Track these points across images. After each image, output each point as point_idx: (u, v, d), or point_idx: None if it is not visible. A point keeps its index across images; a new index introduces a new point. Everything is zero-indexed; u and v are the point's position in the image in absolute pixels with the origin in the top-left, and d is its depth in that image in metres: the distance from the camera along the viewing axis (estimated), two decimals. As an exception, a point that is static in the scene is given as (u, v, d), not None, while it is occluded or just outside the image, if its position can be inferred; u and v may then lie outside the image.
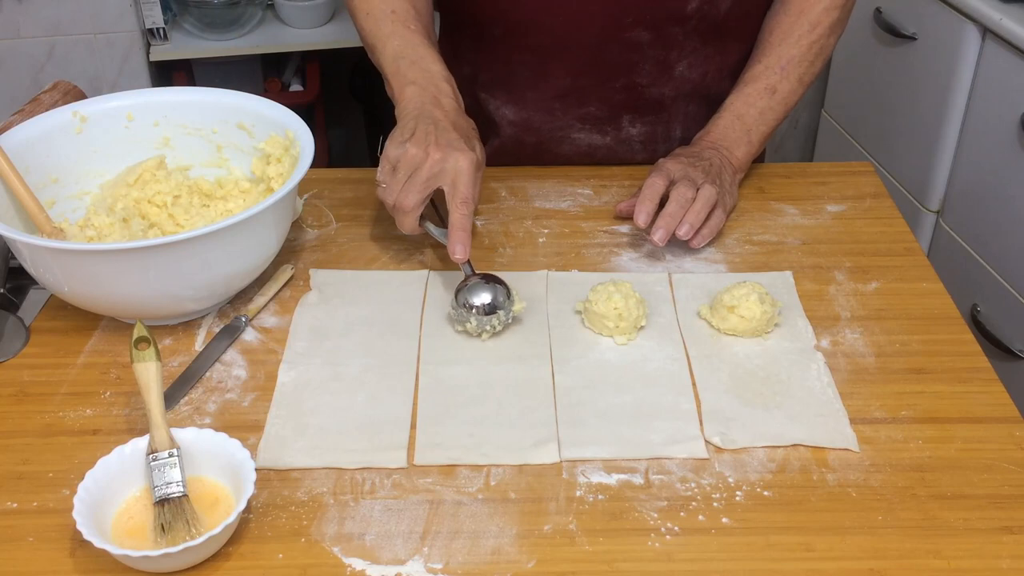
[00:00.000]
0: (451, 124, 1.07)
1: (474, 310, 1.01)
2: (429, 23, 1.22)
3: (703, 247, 1.14)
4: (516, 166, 1.32)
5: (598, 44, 1.23)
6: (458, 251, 1.03)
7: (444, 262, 1.14)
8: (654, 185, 1.13)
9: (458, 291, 1.03)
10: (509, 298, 1.02)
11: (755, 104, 1.23)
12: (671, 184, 1.14)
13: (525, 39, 1.25)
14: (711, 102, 1.28)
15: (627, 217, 1.19)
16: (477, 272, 1.05)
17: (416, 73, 1.12)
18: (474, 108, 1.34)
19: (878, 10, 2.10)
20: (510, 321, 1.02)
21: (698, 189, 1.13)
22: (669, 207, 1.11)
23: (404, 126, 1.07)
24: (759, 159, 1.42)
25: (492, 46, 1.29)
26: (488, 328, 1.01)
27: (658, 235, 1.10)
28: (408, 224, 1.06)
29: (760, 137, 1.23)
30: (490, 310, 1.01)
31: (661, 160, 1.19)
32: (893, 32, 2.04)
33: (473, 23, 1.30)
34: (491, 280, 1.03)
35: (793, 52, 1.23)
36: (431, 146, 1.04)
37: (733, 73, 1.28)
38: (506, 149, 1.34)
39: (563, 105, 1.29)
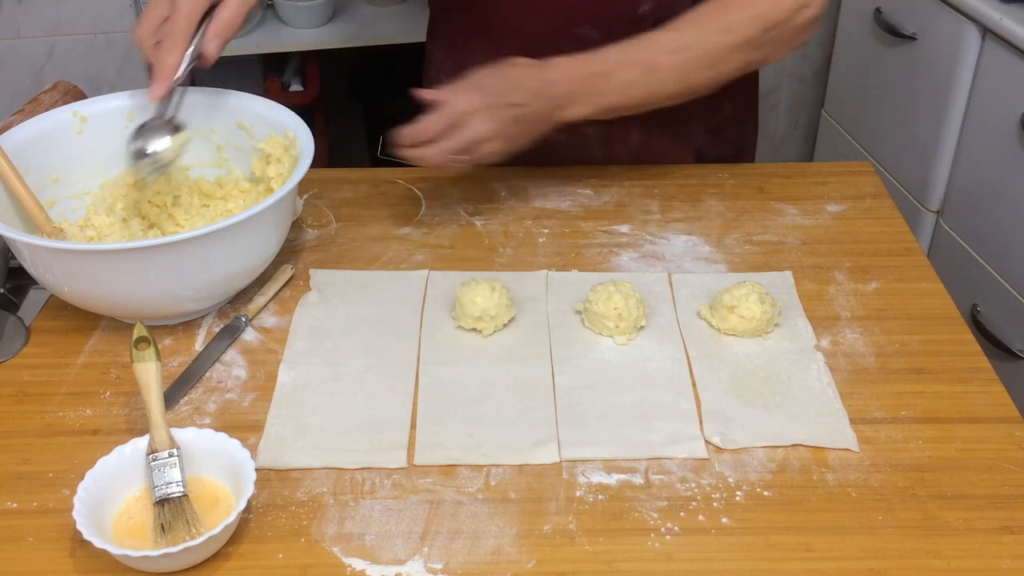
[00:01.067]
0: None
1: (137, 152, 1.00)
2: None
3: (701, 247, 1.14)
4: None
5: (549, 38, 1.20)
6: (153, 90, 0.99)
7: (444, 262, 1.14)
8: (448, 146, 1.05)
9: (138, 132, 1.02)
10: (171, 140, 0.99)
11: (629, 71, 1.11)
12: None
13: (481, 24, 1.25)
14: (673, 106, 1.26)
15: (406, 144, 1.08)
16: (166, 118, 1.02)
17: None
18: None
19: (878, 10, 2.10)
20: (160, 165, 1.00)
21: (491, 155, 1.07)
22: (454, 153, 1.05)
23: None
24: (748, 158, 1.42)
25: (454, 32, 1.30)
26: (146, 170, 1.00)
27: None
28: (145, 56, 1.00)
29: (608, 107, 1.12)
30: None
31: (473, 86, 1.06)
32: (893, 32, 2.04)
33: (442, 7, 1.31)
34: (172, 127, 1.01)
35: (695, 42, 1.11)
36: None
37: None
38: None
39: None
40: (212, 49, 1.00)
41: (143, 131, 1.03)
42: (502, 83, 1.06)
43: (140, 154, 1.02)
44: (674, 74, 1.11)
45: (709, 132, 1.34)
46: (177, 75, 1.00)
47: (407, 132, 1.04)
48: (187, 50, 0.99)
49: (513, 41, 1.23)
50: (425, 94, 1.03)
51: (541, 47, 1.17)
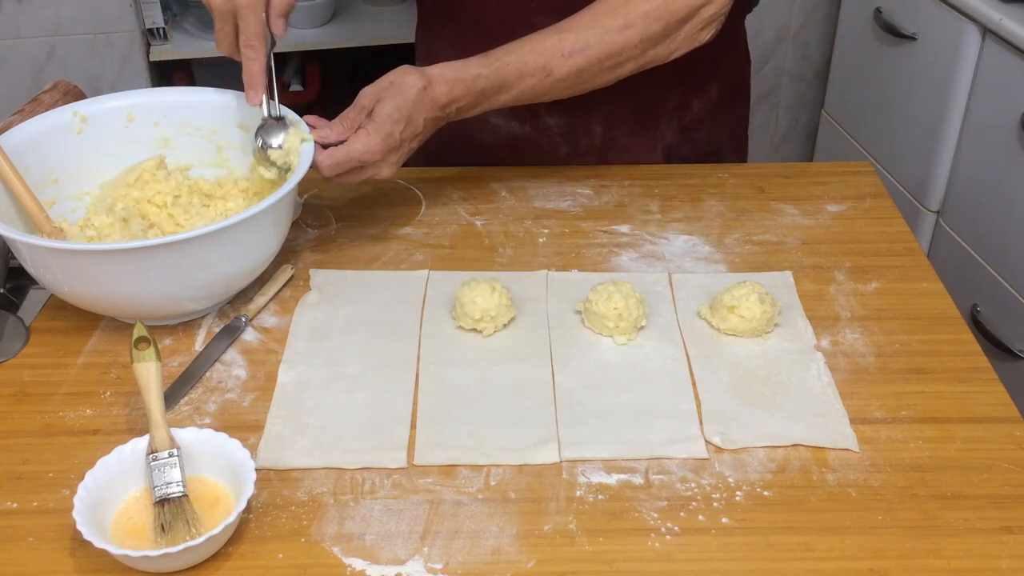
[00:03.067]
0: None
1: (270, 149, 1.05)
2: None
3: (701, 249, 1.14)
4: (445, 155, 1.31)
5: (505, 24, 1.20)
6: (250, 96, 1.05)
7: (444, 262, 1.14)
8: (340, 166, 1.05)
9: (257, 133, 1.06)
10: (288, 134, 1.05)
11: (526, 80, 1.10)
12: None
13: (447, 13, 1.28)
14: (635, 100, 1.25)
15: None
16: (273, 116, 1.07)
17: None
18: None
19: (878, 10, 2.10)
20: (285, 154, 1.05)
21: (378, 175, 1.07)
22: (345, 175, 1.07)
23: None
24: (740, 158, 1.42)
25: (427, 19, 1.33)
26: (281, 165, 1.05)
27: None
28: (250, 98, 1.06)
29: (499, 108, 1.13)
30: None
31: (371, 135, 1.05)
32: (893, 32, 2.04)
33: None
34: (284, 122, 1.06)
35: (591, 42, 1.09)
36: None
37: (656, 72, 1.18)
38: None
39: None
40: (279, 28, 1.05)
41: (260, 133, 1.07)
42: (397, 117, 1.05)
43: (266, 149, 1.06)
44: (570, 76, 1.11)
45: (680, 131, 1.34)
46: (269, 74, 1.06)
47: (317, 159, 1.05)
48: (265, 51, 1.05)
49: (475, 28, 1.24)
50: (316, 133, 1.06)
51: (499, 34, 1.15)
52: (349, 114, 1.07)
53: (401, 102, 1.05)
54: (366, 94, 1.07)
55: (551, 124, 1.31)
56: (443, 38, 1.31)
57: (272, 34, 1.05)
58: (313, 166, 1.04)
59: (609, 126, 1.30)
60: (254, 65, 1.05)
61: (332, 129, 1.06)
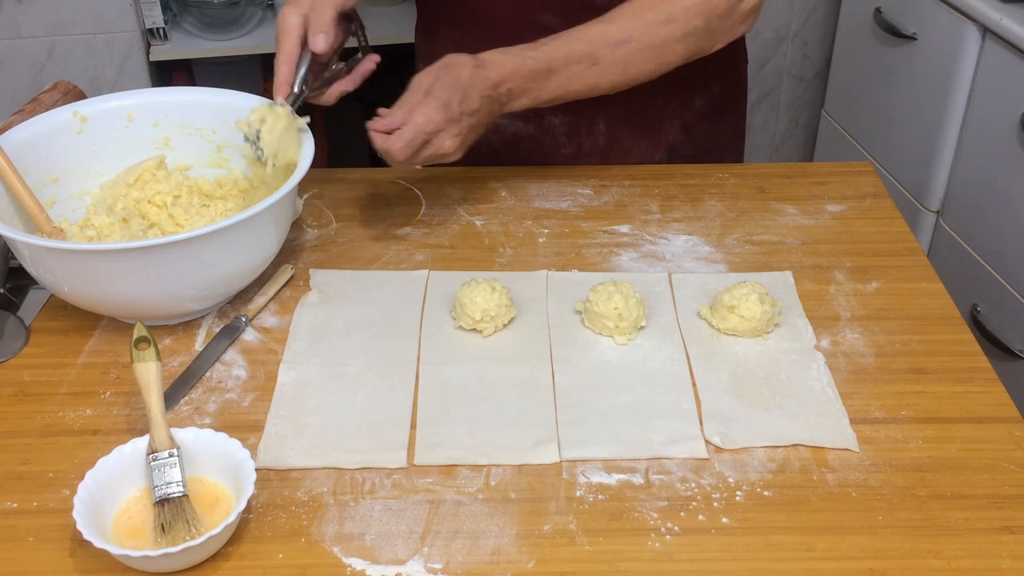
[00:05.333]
0: None
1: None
2: None
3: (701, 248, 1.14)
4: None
5: (509, 24, 1.22)
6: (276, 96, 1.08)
7: (444, 262, 1.14)
8: (408, 147, 1.06)
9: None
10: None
11: (572, 67, 1.11)
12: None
13: (450, 14, 1.27)
14: (638, 99, 1.25)
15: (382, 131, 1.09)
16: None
17: None
18: None
19: (878, 10, 2.10)
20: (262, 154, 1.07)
21: (447, 155, 1.08)
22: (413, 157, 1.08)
23: None
24: (736, 158, 1.42)
25: (426, 18, 1.33)
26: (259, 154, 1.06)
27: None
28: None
29: (549, 99, 1.14)
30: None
31: (428, 104, 1.06)
32: (893, 32, 2.04)
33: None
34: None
35: (636, 34, 1.11)
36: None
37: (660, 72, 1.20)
38: None
39: None
40: (319, 44, 1.09)
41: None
42: (453, 90, 1.06)
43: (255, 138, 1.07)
44: (615, 67, 1.12)
45: (684, 129, 1.34)
46: (293, 80, 1.10)
47: (379, 146, 1.06)
48: (296, 61, 1.09)
49: (478, 28, 1.25)
50: (380, 123, 1.06)
51: (504, 34, 1.16)
52: (407, 98, 1.07)
53: (455, 78, 1.07)
54: (422, 76, 1.08)
55: (555, 123, 1.31)
56: (445, 40, 1.31)
57: (312, 51, 1.10)
58: (383, 155, 1.06)
59: (613, 125, 1.30)
60: (283, 68, 1.09)
61: (393, 114, 1.06)
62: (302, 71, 1.10)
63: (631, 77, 1.14)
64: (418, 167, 1.13)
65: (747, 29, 1.17)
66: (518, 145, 1.33)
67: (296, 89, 1.09)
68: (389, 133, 1.05)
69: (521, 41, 1.19)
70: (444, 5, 1.29)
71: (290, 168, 1.06)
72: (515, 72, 1.10)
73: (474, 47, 1.15)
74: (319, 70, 1.13)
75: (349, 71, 1.15)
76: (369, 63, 1.15)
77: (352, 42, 1.17)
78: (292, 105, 1.08)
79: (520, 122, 1.31)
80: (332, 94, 1.13)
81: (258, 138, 1.06)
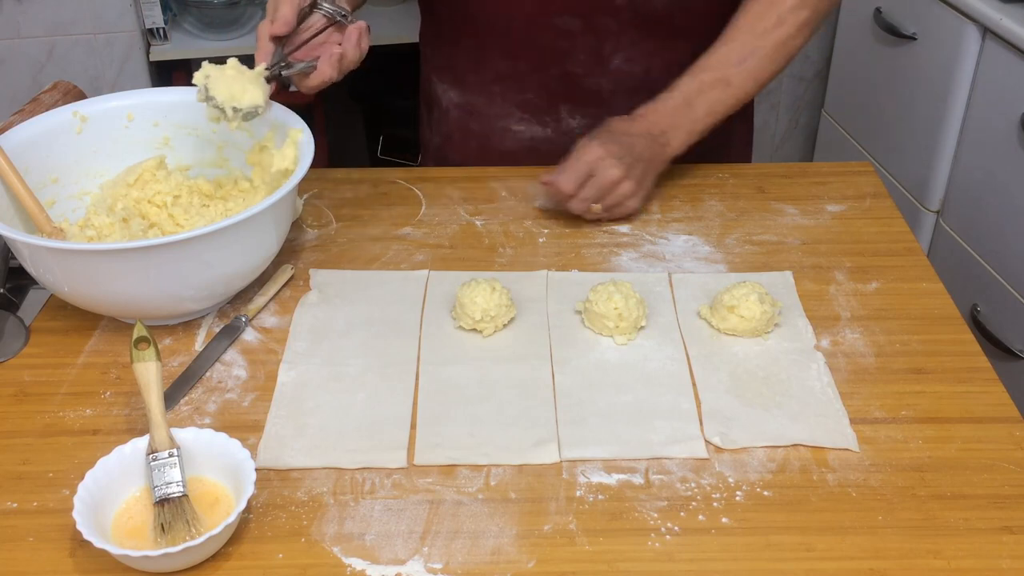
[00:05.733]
0: None
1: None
2: None
3: (703, 249, 1.14)
4: (464, 165, 1.33)
5: (529, 28, 1.23)
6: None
7: (444, 262, 1.14)
8: (572, 179, 1.15)
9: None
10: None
11: (707, 93, 1.19)
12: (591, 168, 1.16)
13: (464, 19, 1.27)
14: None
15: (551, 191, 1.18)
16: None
17: None
18: (427, 91, 1.38)
19: (878, 10, 2.10)
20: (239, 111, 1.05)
21: (616, 184, 1.15)
22: (585, 192, 1.15)
23: None
24: (744, 158, 1.42)
25: (440, 26, 1.32)
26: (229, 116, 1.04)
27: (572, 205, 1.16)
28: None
29: (704, 128, 1.20)
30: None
31: (590, 142, 1.16)
32: (893, 32, 2.04)
33: (429, 5, 1.33)
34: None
35: (756, 44, 1.19)
36: None
37: (678, 68, 1.23)
38: (452, 134, 1.35)
39: (502, 89, 1.30)
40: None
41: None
42: (611, 134, 1.17)
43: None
44: (747, 80, 1.20)
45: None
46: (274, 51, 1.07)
47: (549, 190, 1.16)
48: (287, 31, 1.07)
49: (495, 33, 1.25)
50: (546, 177, 1.17)
51: (522, 39, 1.18)
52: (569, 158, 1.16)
53: (609, 127, 1.19)
54: (583, 139, 1.18)
55: (572, 126, 1.31)
56: (461, 48, 1.30)
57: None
58: (552, 195, 1.16)
59: None
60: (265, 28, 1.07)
61: (559, 172, 1.16)
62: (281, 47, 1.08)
63: (764, 81, 1.22)
64: (599, 211, 1.16)
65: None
66: (536, 149, 1.33)
67: (275, 59, 1.07)
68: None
69: (540, 48, 1.23)
70: (457, 13, 1.28)
71: (284, 173, 1.06)
72: (658, 109, 1.19)
73: (492, 55, 1.18)
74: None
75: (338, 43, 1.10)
76: (355, 29, 1.09)
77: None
78: (267, 70, 1.06)
79: (538, 126, 1.32)
80: (313, 83, 1.09)
81: (208, 92, 1.04)
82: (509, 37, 1.24)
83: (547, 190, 1.18)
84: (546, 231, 1.19)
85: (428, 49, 1.38)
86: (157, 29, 2.39)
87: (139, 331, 0.88)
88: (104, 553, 0.77)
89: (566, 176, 1.15)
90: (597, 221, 1.20)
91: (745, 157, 1.45)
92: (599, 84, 1.28)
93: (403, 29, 2.37)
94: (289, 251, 1.14)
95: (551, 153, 1.31)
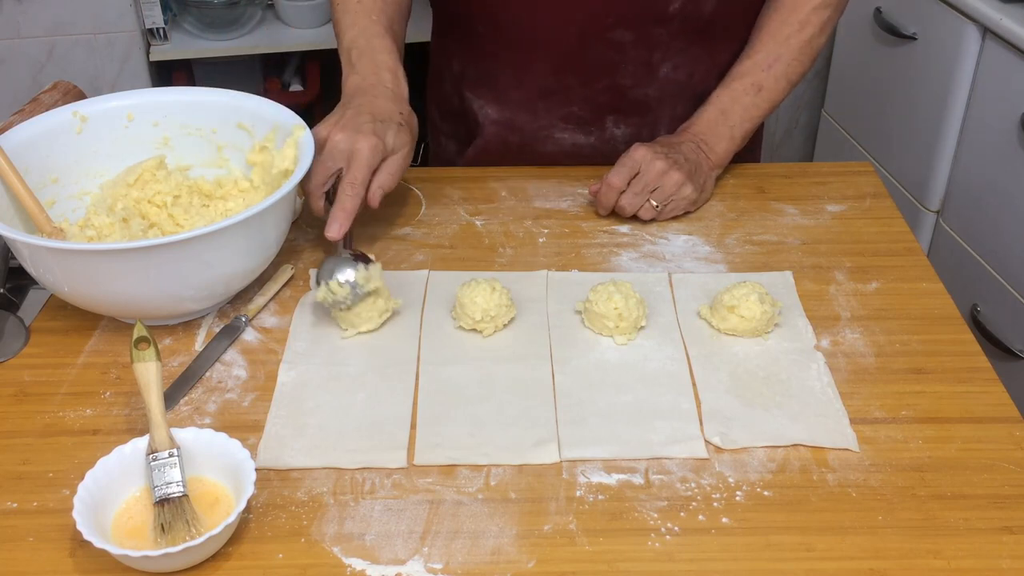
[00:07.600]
0: (371, 110, 1.09)
1: (330, 283, 1.00)
2: (396, 14, 1.25)
3: (703, 248, 1.14)
4: (502, 166, 1.32)
5: (579, 43, 1.23)
6: (332, 229, 1.05)
7: (444, 262, 1.14)
8: (620, 173, 1.17)
9: (322, 264, 1.03)
10: (367, 269, 1.01)
11: (740, 100, 1.23)
12: (637, 173, 1.18)
13: (508, 36, 1.25)
14: (700, 103, 1.27)
15: (601, 202, 1.20)
16: (350, 250, 1.05)
17: (364, 63, 1.16)
18: (460, 107, 1.35)
19: (878, 10, 2.10)
20: (360, 293, 1.00)
21: (664, 174, 1.17)
22: (635, 187, 1.17)
23: (333, 113, 1.11)
24: (754, 158, 1.42)
25: (478, 43, 1.29)
26: (342, 300, 1.00)
27: (624, 203, 1.18)
28: (313, 205, 1.09)
29: (743, 134, 1.24)
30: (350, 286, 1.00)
31: (637, 146, 1.19)
32: (893, 32, 2.04)
33: (461, 20, 1.31)
34: (360, 258, 1.03)
35: (781, 50, 1.23)
36: (336, 128, 1.07)
37: (723, 74, 1.27)
38: (489, 149, 1.34)
39: (546, 104, 1.29)
40: (374, 199, 1.09)
41: (332, 264, 1.02)
42: (657, 142, 1.20)
43: (327, 279, 1.01)
44: (779, 82, 1.24)
45: None
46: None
47: (599, 194, 1.18)
48: (361, 197, 1.07)
49: (542, 49, 1.24)
50: (595, 185, 1.20)
51: (573, 55, 1.18)
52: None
53: (656, 140, 1.22)
54: None
55: (616, 134, 1.31)
56: (501, 63, 1.28)
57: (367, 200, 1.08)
58: (604, 207, 1.19)
59: (674, 130, 1.29)
60: (349, 203, 1.05)
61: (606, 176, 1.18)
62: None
63: (795, 81, 1.27)
64: (655, 206, 1.17)
65: None
66: (577, 155, 1.33)
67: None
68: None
69: (590, 63, 1.24)
70: (503, 34, 1.25)
71: (284, 174, 1.06)
72: (694, 124, 1.24)
73: (539, 70, 1.20)
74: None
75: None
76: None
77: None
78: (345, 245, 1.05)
79: (581, 135, 1.31)
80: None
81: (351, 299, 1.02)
82: (557, 54, 1.23)
83: (597, 197, 1.19)
84: (546, 231, 1.19)
85: (458, 65, 1.34)
86: (157, 29, 2.39)
87: (139, 331, 0.88)
88: (104, 553, 0.77)
89: (614, 173, 1.17)
90: (596, 220, 1.20)
91: (754, 158, 1.45)
92: (646, 93, 1.28)
93: (407, 30, 2.37)
94: (289, 251, 1.14)
95: (592, 157, 1.32)
